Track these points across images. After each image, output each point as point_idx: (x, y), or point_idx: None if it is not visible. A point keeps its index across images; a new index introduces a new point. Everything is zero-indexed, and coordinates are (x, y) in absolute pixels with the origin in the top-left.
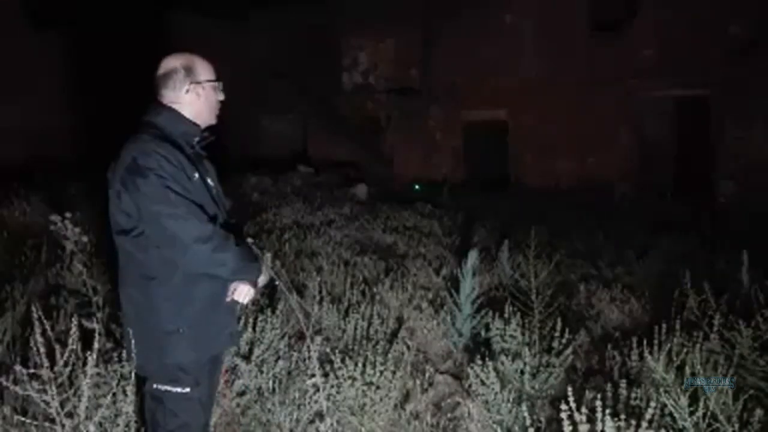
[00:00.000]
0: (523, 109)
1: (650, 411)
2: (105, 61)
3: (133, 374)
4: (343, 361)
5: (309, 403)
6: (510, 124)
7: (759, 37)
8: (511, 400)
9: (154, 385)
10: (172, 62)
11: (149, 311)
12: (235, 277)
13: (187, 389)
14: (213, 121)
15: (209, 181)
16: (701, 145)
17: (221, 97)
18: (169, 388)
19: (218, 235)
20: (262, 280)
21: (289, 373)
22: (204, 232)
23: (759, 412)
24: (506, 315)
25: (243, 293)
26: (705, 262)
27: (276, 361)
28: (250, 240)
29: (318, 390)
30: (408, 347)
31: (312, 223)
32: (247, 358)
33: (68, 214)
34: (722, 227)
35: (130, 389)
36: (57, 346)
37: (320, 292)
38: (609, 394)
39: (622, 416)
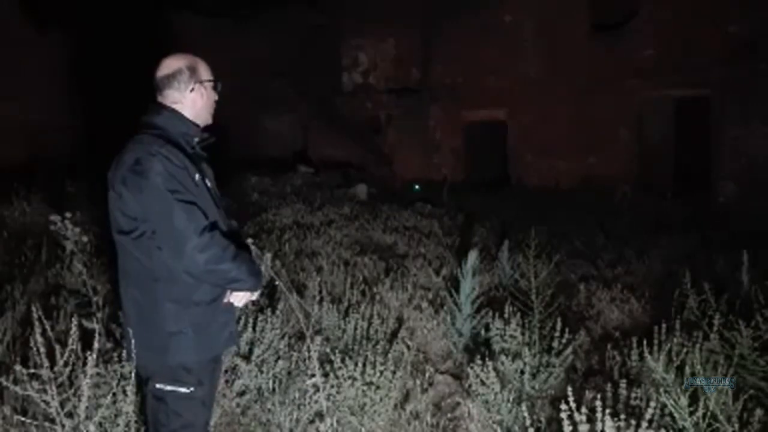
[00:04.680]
0: (523, 109)
1: (650, 411)
2: (105, 61)
3: (133, 374)
4: (343, 361)
5: (309, 403)
6: (510, 124)
7: (759, 37)
8: (511, 400)
9: (157, 385)
10: (175, 62)
11: (153, 312)
12: (232, 288)
13: (191, 389)
14: (210, 120)
15: (207, 182)
16: (701, 145)
17: (216, 96)
18: (172, 388)
19: (216, 245)
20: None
21: (289, 373)
22: (201, 241)
23: (759, 412)
24: (506, 315)
25: (239, 297)
26: (705, 262)
27: (276, 361)
28: (249, 240)
29: (318, 390)
30: (408, 347)
31: (312, 223)
32: (247, 358)
33: (68, 214)
34: (722, 227)
35: (130, 389)
36: (57, 346)
37: (320, 292)
38: (609, 394)
39: (622, 416)
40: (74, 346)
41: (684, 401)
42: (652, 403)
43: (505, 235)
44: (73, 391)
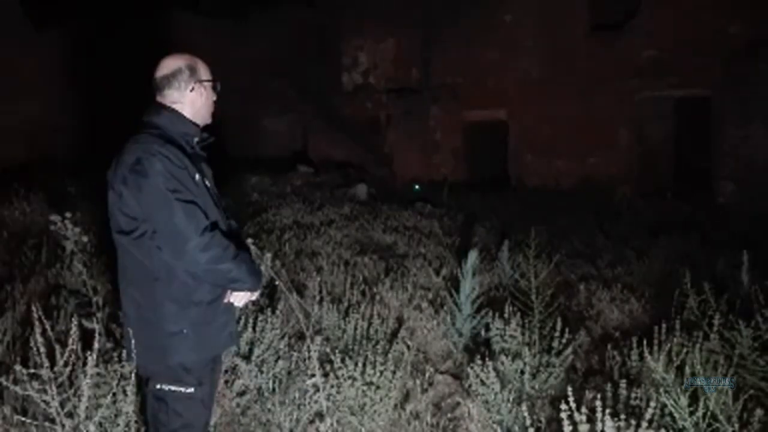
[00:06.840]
0: (523, 109)
1: (650, 411)
2: (105, 61)
3: (133, 374)
4: (343, 361)
5: (309, 403)
6: (510, 124)
7: (759, 37)
8: (511, 400)
9: (158, 386)
10: (175, 62)
11: (152, 312)
12: (232, 287)
13: (191, 389)
14: (209, 120)
15: (207, 182)
16: (701, 145)
17: (215, 96)
18: (172, 388)
19: (217, 245)
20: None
21: (289, 373)
22: (202, 241)
23: (759, 412)
24: (506, 315)
25: (239, 297)
26: (705, 262)
27: (276, 361)
28: (249, 240)
29: (318, 390)
30: (408, 347)
31: (312, 223)
32: (247, 358)
33: (68, 214)
34: (722, 227)
35: (130, 389)
36: (57, 346)
37: (320, 292)
38: (609, 394)
39: (622, 416)
40: (74, 346)
41: (684, 401)
42: (652, 403)
43: (505, 235)
44: (73, 391)
